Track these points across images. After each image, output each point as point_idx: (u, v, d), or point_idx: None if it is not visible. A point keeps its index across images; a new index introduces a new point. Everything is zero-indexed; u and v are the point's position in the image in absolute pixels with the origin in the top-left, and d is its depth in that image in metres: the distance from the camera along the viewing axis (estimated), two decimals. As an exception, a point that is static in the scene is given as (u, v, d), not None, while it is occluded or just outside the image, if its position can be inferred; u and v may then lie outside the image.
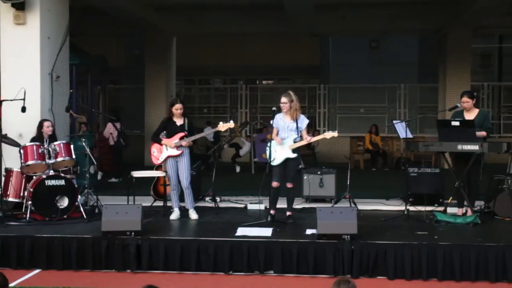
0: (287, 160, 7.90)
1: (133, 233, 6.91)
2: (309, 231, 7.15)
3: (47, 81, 9.79)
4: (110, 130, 13.56)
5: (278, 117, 8.02)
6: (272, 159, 7.91)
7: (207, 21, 17.16)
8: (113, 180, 12.84)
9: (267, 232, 7.20)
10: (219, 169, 10.07)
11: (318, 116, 19.98)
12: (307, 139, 7.94)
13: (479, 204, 8.19)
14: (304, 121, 7.99)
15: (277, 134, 7.98)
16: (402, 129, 8.97)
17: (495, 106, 20.14)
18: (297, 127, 7.90)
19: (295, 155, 7.90)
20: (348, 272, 6.61)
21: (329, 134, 7.98)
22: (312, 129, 19.63)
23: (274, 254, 6.73)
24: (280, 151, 7.88)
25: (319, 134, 18.53)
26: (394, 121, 9.12)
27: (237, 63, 22.27)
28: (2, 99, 9.04)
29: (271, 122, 8.11)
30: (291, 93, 7.99)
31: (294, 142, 7.89)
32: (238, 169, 15.40)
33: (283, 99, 7.89)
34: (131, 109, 20.26)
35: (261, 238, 6.93)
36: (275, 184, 7.94)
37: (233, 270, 6.77)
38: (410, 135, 9.30)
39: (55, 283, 6.39)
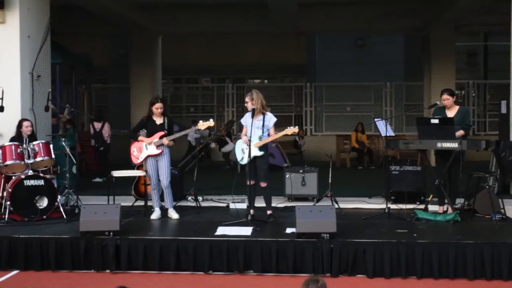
0: (255, 158, 7.85)
1: (111, 233, 6.86)
2: (289, 230, 7.13)
3: (27, 81, 9.73)
4: (91, 131, 13.46)
5: (247, 115, 7.98)
6: (240, 159, 7.90)
7: (192, 20, 17.15)
8: (97, 179, 12.76)
9: (247, 231, 7.18)
10: (207, 168, 10.03)
11: (304, 115, 19.98)
12: (271, 136, 7.89)
13: (460, 201, 8.20)
14: (271, 119, 7.92)
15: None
16: (383, 127, 8.97)
17: (480, 104, 20.24)
18: (263, 125, 7.86)
19: (261, 153, 7.84)
20: (327, 271, 6.60)
21: (290, 130, 7.89)
22: (299, 127, 19.64)
23: (254, 253, 6.70)
24: (247, 149, 7.83)
25: (304, 133, 18.68)
26: (376, 119, 9.10)
27: (225, 62, 22.26)
28: (-19, 99, 8.96)
29: (240, 120, 8.10)
30: (253, 92, 7.96)
31: (260, 139, 7.86)
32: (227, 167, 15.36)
33: (246, 99, 7.88)
34: (118, 108, 20.18)
35: (241, 237, 6.90)
36: (249, 182, 7.90)
37: (213, 269, 6.74)
38: (391, 133, 9.31)
39: (33, 284, 6.33)
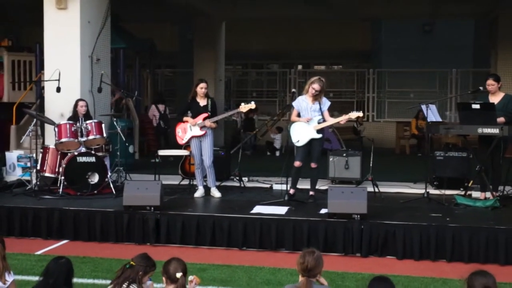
0: (311, 140, 8.03)
1: (152, 208, 7.23)
2: (323, 211, 7.28)
3: (87, 64, 10.22)
4: (154, 112, 13.99)
5: (300, 98, 8.16)
6: (296, 141, 8.07)
7: (254, 6, 17.28)
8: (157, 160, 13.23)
9: (282, 210, 7.38)
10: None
11: (366, 101, 19.86)
12: (328, 119, 8.05)
13: (508, 189, 8.08)
14: (326, 103, 8.12)
15: (298, 115, 8.12)
16: (433, 112, 8.88)
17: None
18: (320, 109, 8.02)
19: (319, 135, 8.04)
20: (357, 251, 6.74)
21: (354, 114, 8.06)
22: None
23: (286, 232, 6.92)
24: (304, 132, 8.02)
25: (365, 119, 18.58)
26: (422, 105, 9.02)
27: (290, 47, 22.32)
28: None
29: (293, 103, 8.26)
30: (323, 80, 8.12)
31: (318, 123, 8.02)
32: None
33: (317, 87, 7.96)
34: (184, 92, 20.66)
35: (274, 215, 7.12)
36: (297, 163, 8.09)
37: (246, 246, 7.00)
38: (439, 119, 9.21)
39: (80, 253, 6.78)
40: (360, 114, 8.10)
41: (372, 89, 19.82)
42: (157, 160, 12.70)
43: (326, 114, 8.11)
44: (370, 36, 22.83)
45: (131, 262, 3.89)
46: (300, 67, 22.81)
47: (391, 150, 16.87)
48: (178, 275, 3.72)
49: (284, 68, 21.59)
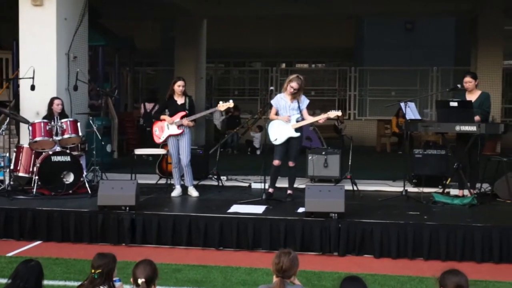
0: (290, 139, 7.97)
1: (127, 208, 7.13)
2: (301, 209, 7.22)
3: (63, 61, 10.08)
4: (142, 110, 13.91)
5: (279, 96, 8.08)
6: (274, 139, 7.99)
7: (236, 3, 17.21)
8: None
9: (259, 209, 7.31)
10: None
11: (348, 99, 19.86)
12: (307, 118, 7.99)
13: (480, 186, 8.08)
14: (305, 101, 8.06)
15: (276, 113, 8.05)
16: (412, 110, 8.86)
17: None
18: (298, 107, 7.96)
19: (298, 134, 7.97)
20: (335, 250, 6.68)
21: (332, 113, 7.99)
22: (342, 111, 19.54)
23: (263, 231, 6.84)
24: (282, 130, 7.95)
25: (346, 117, 18.59)
26: (401, 103, 8.98)
27: (273, 46, 22.25)
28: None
29: (271, 101, 8.19)
30: (301, 78, 8.06)
31: (297, 121, 7.95)
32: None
33: (295, 85, 7.88)
34: (165, 91, 20.51)
35: (251, 215, 7.05)
36: (276, 162, 8.02)
37: (223, 246, 6.92)
38: (418, 116, 9.18)
39: (53, 254, 6.65)
40: (339, 113, 8.05)
41: (353, 87, 19.82)
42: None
43: (305, 112, 8.04)
44: (352, 34, 22.83)
45: (97, 271, 3.80)
46: (283, 65, 22.79)
47: (372, 148, 16.91)
48: (140, 281, 3.63)
49: (267, 66, 21.54)
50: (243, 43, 22.17)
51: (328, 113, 8.02)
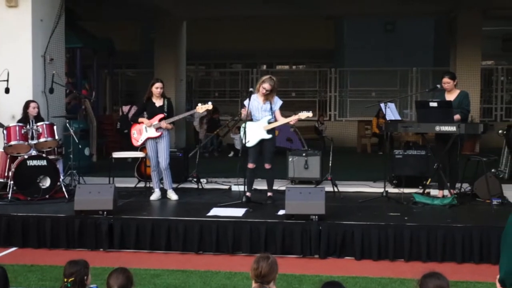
0: (262, 141, 7.87)
1: (105, 213, 7.00)
2: (281, 212, 7.15)
3: (40, 64, 9.93)
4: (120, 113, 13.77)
5: (252, 98, 7.99)
6: (246, 141, 7.91)
7: (215, 4, 17.10)
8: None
9: (239, 212, 7.22)
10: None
11: (329, 100, 19.86)
12: (279, 119, 7.91)
13: (460, 186, 8.08)
14: (277, 103, 7.97)
15: (249, 115, 7.97)
16: (392, 111, 8.84)
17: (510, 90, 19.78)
18: (271, 108, 7.88)
19: (270, 135, 7.88)
20: (315, 253, 6.62)
21: (303, 114, 7.90)
22: (322, 113, 19.56)
23: (243, 235, 6.76)
24: (254, 132, 7.85)
25: (327, 118, 18.59)
26: (381, 103, 8.96)
27: (254, 47, 22.17)
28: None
29: (244, 102, 8.11)
30: (274, 78, 7.99)
31: (269, 123, 7.87)
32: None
33: (267, 86, 7.81)
34: (144, 93, 20.34)
35: (231, 218, 6.96)
36: (250, 165, 7.93)
37: (203, 250, 6.82)
38: (397, 117, 9.17)
39: (28, 261, 6.51)
40: (310, 114, 7.97)
41: (334, 88, 19.82)
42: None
43: (278, 114, 7.94)
44: (332, 36, 22.87)
45: (70, 279, 3.70)
46: (264, 67, 22.73)
47: (353, 149, 16.91)
48: None
49: (247, 68, 21.47)
50: (223, 44, 22.06)
51: (299, 114, 7.93)
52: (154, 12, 17.44)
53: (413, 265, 6.32)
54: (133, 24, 22.17)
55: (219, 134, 15.06)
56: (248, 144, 7.85)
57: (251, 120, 7.98)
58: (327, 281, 3.56)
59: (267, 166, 7.96)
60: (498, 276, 2.71)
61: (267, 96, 7.83)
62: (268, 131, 7.83)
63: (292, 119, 7.90)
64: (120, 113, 13.91)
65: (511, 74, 20.11)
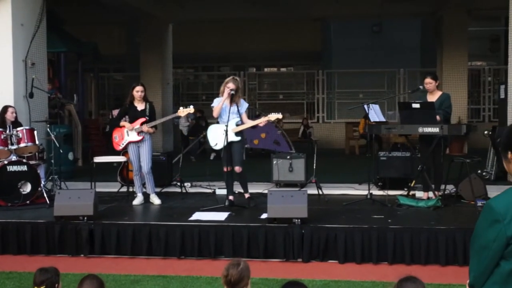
0: (231, 143, 7.79)
1: (85, 218, 6.90)
2: (264, 215, 7.06)
3: (21, 68, 9.82)
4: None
5: (217, 100, 7.92)
6: (214, 144, 7.82)
7: (201, 7, 17.05)
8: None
9: (221, 216, 7.14)
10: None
11: (316, 102, 19.82)
12: (245, 121, 7.85)
13: (445, 188, 8.03)
14: (244, 105, 7.91)
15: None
16: (377, 112, 8.80)
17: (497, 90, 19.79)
18: (238, 111, 7.80)
19: (238, 138, 7.80)
20: (298, 256, 6.55)
21: (273, 116, 7.83)
22: (310, 114, 19.55)
23: (225, 239, 6.68)
24: (220, 134, 7.75)
25: (315, 120, 18.53)
26: (365, 104, 8.92)
27: (241, 49, 22.12)
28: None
29: (212, 105, 8.03)
30: (237, 79, 7.95)
31: (237, 125, 7.80)
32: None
33: (231, 85, 7.76)
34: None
35: (213, 222, 6.88)
36: (225, 169, 7.83)
37: (184, 255, 6.73)
38: (382, 119, 9.14)
39: (7, 268, 6.41)
40: (280, 116, 7.91)
41: (321, 90, 19.81)
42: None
43: (244, 116, 7.86)
44: (319, 38, 22.85)
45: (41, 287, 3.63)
46: (254, 69, 22.66)
47: (341, 150, 16.88)
48: None
49: (235, 70, 21.39)
50: (211, 47, 22.00)
51: (269, 116, 7.87)
52: (139, 16, 17.35)
53: (397, 268, 6.24)
54: (118, 28, 22.08)
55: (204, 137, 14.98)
56: (216, 147, 7.81)
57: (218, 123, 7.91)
58: (288, 281, 3.50)
59: (237, 169, 7.81)
60: (468, 281, 2.65)
61: (233, 98, 7.74)
62: (237, 133, 7.76)
63: (262, 121, 7.87)
64: (110, 117, 13.79)
65: (499, 74, 20.13)
